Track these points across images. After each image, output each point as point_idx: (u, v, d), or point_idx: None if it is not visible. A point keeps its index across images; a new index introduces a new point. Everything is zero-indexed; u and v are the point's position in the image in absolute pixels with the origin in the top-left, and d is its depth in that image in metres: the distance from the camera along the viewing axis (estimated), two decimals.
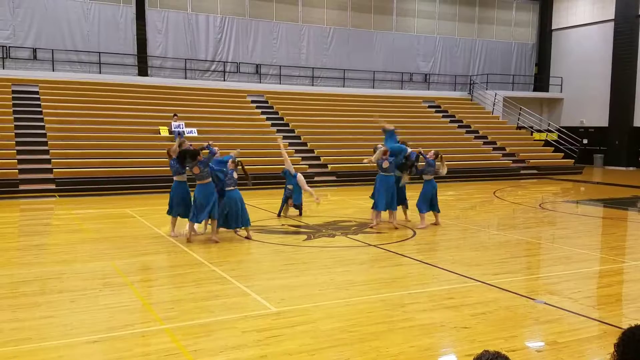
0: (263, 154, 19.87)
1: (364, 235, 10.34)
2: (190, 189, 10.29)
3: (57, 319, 5.75)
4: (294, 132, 22.07)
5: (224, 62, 25.05)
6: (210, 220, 9.80)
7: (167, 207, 10.41)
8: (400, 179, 11.25)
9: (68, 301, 6.30)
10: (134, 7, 23.28)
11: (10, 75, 20.60)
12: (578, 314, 6.02)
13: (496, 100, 28.74)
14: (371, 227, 10.92)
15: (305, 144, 21.40)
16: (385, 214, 11.33)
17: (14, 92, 19.79)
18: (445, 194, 17.81)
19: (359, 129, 23.01)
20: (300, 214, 12.29)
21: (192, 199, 9.83)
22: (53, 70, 21.86)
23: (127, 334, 5.32)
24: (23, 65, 21.59)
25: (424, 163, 11.44)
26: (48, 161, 17.02)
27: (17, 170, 16.17)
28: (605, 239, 10.77)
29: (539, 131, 29.33)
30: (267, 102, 24.00)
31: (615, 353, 2.18)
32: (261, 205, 14.28)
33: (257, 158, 19.44)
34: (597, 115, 29.11)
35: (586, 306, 6.31)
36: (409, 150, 11.40)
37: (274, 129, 21.97)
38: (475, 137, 25.32)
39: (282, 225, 11.46)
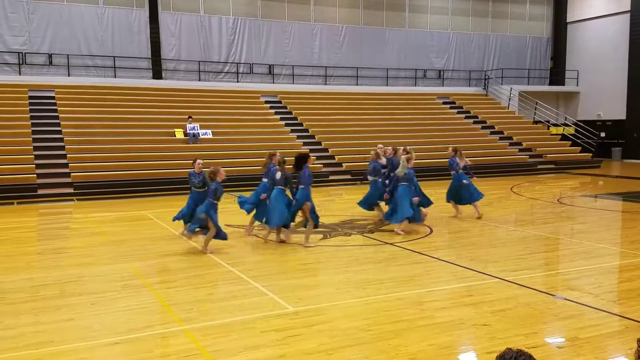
0: None
1: (380, 234, 10.30)
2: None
3: (78, 321, 5.81)
4: (308, 132, 22.08)
5: (237, 63, 25.12)
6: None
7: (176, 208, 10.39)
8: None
9: (88, 304, 6.37)
10: (147, 10, 23.44)
11: (27, 81, 20.88)
12: (599, 309, 5.95)
13: (512, 95, 28.50)
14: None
15: (319, 143, 21.40)
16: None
17: (30, 97, 20.04)
18: None
19: (373, 127, 22.96)
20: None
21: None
22: (69, 75, 22.10)
23: (147, 336, 5.36)
24: (39, 71, 21.85)
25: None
26: (66, 165, 17.21)
27: (35, 175, 16.36)
28: (625, 233, 10.62)
29: (555, 125, 29.04)
30: (280, 102, 24.03)
31: (639, 349, 2.15)
32: None
33: None
34: (614, 108, 28.73)
35: (607, 301, 6.23)
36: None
37: (288, 128, 21.99)
38: (491, 133, 25.13)
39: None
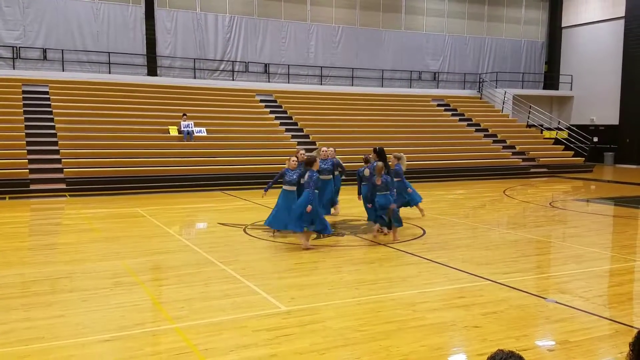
0: (272, 153, 19.87)
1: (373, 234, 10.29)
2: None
3: (69, 318, 5.78)
4: (303, 132, 22.08)
5: (233, 61, 25.09)
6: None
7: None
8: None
9: (79, 300, 6.34)
10: (143, 7, 23.36)
11: (21, 76, 20.75)
12: (589, 312, 5.98)
13: (506, 99, 28.60)
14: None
15: (314, 143, 21.37)
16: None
17: (24, 92, 19.92)
18: (455, 193, 17.79)
19: (367, 127, 23.00)
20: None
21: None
22: (63, 70, 21.99)
23: (138, 333, 5.35)
24: (33, 66, 21.73)
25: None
26: (58, 161, 17.13)
27: (27, 170, 16.28)
28: (616, 238, 10.69)
29: (549, 129, 29.18)
30: (275, 101, 24.02)
31: (630, 352, 2.16)
32: (269, 204, 14.27)
33: (266, 157, 19.44)
34: (607, 113, 28.89)
35: (598, 305, 6.26)
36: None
37: (283, 128, 21.99)
38: (485, 136, 25.21)
39: None
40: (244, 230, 10.59)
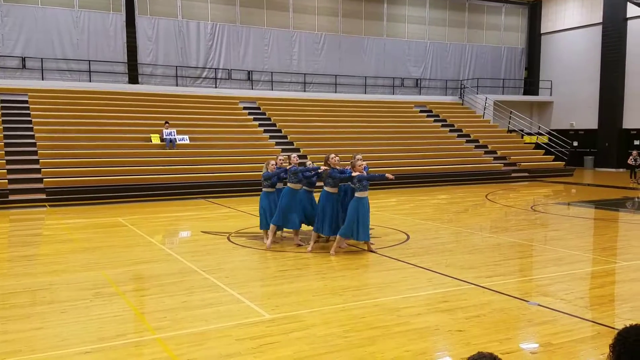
0: (256, 161, 19.80)
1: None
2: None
3: (48, 330, 5.68)
4: (287, 138, 22.06)
5: (215, 68, 25.02)
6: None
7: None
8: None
9: (59, 312, 6.23)
10: (124, 14, 23.22)
11: None
12: (571, 315, 6.02)
13: (487, 104, 28.86)
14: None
15: (298, 150, 21.37)
16: None
17: (2, 101, 19.66)
18: (438, 198, 17.87)
19: (351, 134, 23.04)
20: None
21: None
22: (42, 79, 21.75)
23: (120, 344, 5.26)
24: (12, 74, 21.47)
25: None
26: (38, 171, 16.90)
27: (6, 181, 16.03)
28: (597, 240, 10.80)
29: (529, 134, 29.49)
30: (259, 108, 23.98)
31: (610, 354, 2.17)
32: (254, 212, 14.22)
33: (250, 165, 19.38)
34: (586, 117, 29.29)
35: (579, 307, 6.31)
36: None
37: (267, 135, 21.95)
38: (467, 141, 25.40)
39: None
40: (228, 238, 10.53)
